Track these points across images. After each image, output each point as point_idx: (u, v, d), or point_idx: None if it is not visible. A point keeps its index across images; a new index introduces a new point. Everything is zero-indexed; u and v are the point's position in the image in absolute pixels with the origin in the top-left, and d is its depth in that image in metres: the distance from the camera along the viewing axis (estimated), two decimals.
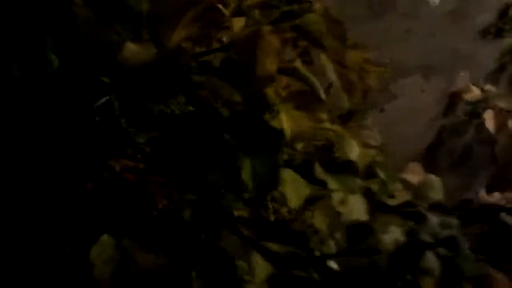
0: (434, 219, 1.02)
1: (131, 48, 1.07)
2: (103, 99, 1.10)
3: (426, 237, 0.97)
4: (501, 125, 2.45)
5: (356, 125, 1.24)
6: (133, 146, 1.30)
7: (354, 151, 1.18)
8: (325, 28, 1.04)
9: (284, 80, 1.29)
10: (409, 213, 1.21)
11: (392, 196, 1.29)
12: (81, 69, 1.11)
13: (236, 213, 1.31)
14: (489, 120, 2.44)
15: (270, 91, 1.11)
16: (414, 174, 1.30)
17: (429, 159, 2.57)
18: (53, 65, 1.10)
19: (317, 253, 1.12)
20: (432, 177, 1.29)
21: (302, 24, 1.03)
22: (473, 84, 2.54)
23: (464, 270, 0.96)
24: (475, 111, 2.55)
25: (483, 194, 1.74)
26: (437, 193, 1.28)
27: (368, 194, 1.24)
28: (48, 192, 1.29)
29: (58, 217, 1.31)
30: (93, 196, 1.35)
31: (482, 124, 2.48)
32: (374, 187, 1.27)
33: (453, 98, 2.55)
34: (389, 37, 2.41)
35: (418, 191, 1.26)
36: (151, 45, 1.08)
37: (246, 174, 1.09)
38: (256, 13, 1.14)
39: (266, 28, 1.03)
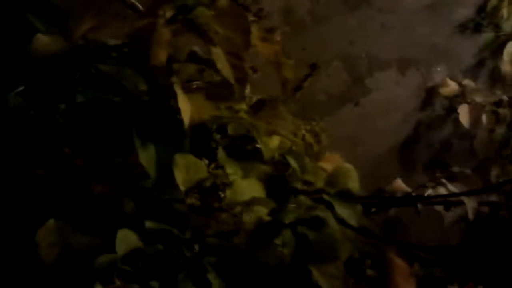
0: (304, 200, 1.07)
1: (41, 40, 1.15)
2: (19, 89, 1.18)
3: (288, 217, 1.03)
4: (475, 120, 2.44)
5: (268, 114, 1.29)
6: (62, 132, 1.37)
7: (260, 139, 1.24)
8: (216, 22, 1.09)
9: None
10: (319, 198, 1.26)
11: (308, 183, 1.35)
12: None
13: None
14: (463, 114, 2.43)
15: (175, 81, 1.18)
16: (332, 163, 1.35)
17: (406, 153, 2.59)
18: None
19: None
20: (348, 166, 1.33)
21: (192, 17, 1.09)
22: (451, 79, 2.54)
23: (332, 248, 1.02)
24: (453, 105, 2.55)
25: (399, 183, 1.76)
26: (352, 181, 1.33)
27: (280, 180, 1.30)
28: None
29: (10, 201, 1.39)
30: (44, 181, 1.43)
31: None
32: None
33: (430, 93, 2.56)
34: (365, 31, 2.42)
35: (331, 178, 1.30)
36: (60, 37, 1.16)
37: (149, 161, 1.15)
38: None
39: (160, 21, 1.10)
